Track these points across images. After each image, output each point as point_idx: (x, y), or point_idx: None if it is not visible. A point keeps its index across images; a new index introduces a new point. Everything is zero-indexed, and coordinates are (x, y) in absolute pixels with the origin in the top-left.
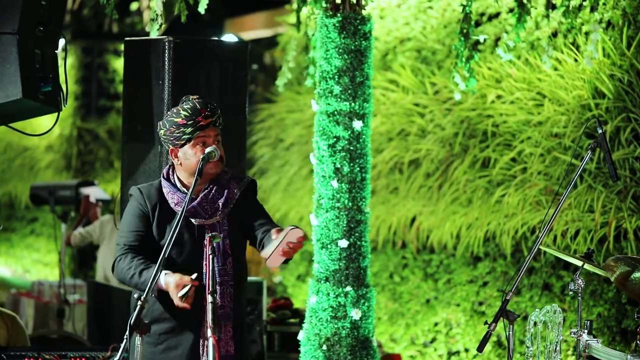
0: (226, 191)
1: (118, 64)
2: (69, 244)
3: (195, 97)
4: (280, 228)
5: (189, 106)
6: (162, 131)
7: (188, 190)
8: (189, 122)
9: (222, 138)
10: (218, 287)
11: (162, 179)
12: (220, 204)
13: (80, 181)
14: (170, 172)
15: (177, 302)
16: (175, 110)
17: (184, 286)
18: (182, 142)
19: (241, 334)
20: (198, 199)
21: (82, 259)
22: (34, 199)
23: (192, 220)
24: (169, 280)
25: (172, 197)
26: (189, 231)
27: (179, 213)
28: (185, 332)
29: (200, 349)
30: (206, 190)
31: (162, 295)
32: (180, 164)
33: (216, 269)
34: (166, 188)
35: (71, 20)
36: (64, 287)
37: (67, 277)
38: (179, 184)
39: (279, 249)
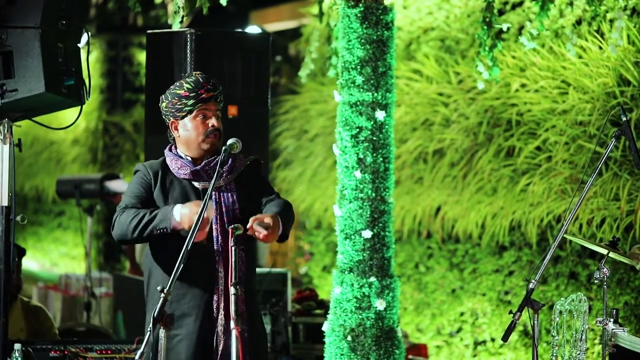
0: (231, 160)
1: (143, 57)
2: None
3: (198, 72)
4: (272, 214)
5: (192, 79)
6: (163, 104)
7: (191, 158)
8: (191, 95)
9: (245, 129)
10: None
11: (165, 151)
12: (225, 169)
13: (104, 175)
14: (173, 147)
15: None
16: (178, 84)
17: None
18: (184, 113)
19: (252, 298)
20: (202, 164)
21: (109, 252)
22: (60, 193)
23: (195, 184)
24: (184, 211)
25: (175, 163)
26: (195, 194)
27: (183, 179)
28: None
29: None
30: (210, 158)
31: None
32: (179, 136)
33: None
34: (169, 157)
35: (96, 13)
36: (90, 280)
37: (93, 270)
38: (182, 155)
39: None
